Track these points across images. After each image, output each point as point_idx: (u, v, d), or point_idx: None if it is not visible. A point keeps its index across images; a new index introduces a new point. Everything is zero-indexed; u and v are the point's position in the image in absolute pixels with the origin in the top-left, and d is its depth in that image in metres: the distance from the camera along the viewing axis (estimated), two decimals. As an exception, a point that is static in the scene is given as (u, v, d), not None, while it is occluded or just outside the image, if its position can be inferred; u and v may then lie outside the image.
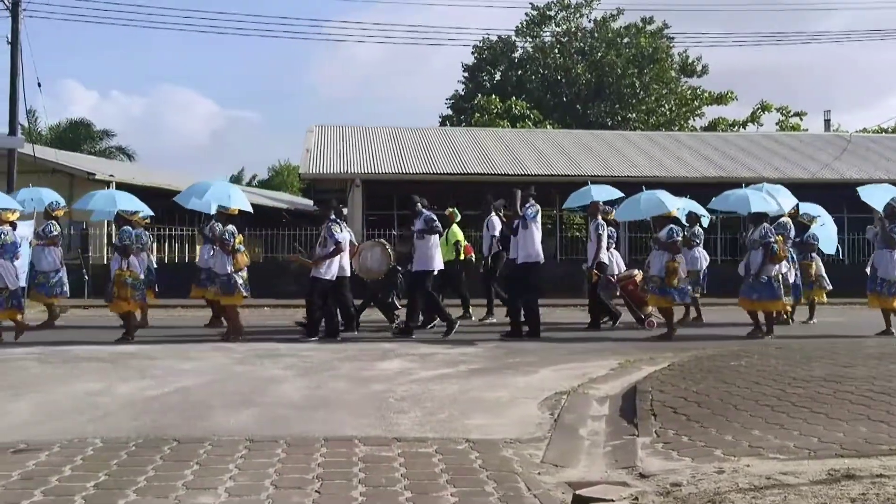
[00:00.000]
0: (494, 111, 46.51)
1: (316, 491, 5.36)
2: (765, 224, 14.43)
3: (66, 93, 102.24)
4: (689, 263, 16.06)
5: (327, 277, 13.79)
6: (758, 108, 52.15)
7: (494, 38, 54.75)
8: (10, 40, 23.63)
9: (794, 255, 15.75)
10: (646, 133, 40.84)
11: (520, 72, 54.49)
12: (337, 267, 13.94)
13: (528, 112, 47.12)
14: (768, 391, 8.13)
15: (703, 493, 5.25)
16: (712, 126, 52.24)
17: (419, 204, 14.82)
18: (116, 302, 13.64)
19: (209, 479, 5.57)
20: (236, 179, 69.30)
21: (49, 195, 16.67)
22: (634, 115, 53.04)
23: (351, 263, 14.64)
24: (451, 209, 17.37)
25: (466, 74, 56.28)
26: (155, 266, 16.56)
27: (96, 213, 17.37)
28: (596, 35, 54.24)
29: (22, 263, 14.46)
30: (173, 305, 19.26)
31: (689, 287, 15.60)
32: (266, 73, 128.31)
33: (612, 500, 4.94)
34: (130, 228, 13.96)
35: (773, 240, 14.21)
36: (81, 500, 5.20)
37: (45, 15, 65.32)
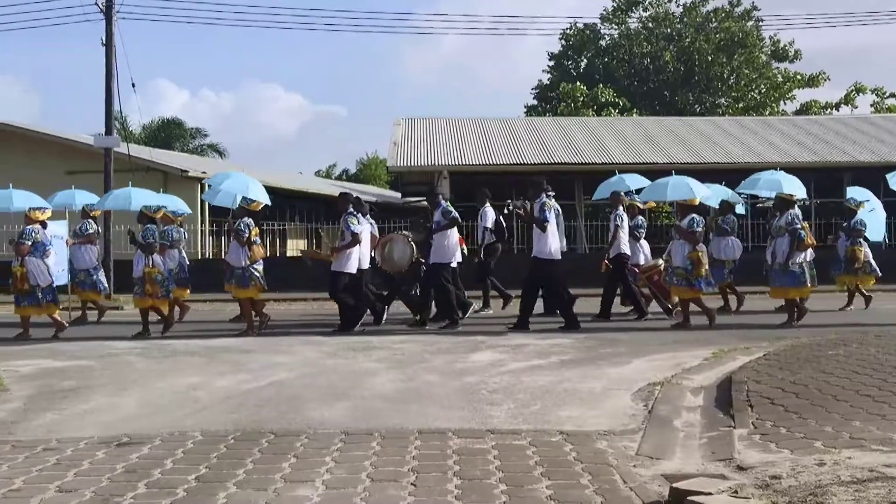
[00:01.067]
0: (580, 99, 46.20)
1: (411, 483, 5.39)
2: (791, 210, 14.16)
3: (158, 92, 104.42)
4: (724, 252, 15.88)
5: (348, 270, 13.86)
6: (851, 90, 50.89)
7: (580, 26, 54.39)
8: (104, 42, 24.15)
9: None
10: (736, 118, 40.14)
11: (606, 59, 54.08)
12: (357, 259, 14.00)
13: (614, 100, 46.67)
14: (868, 381, 7.95)
15: (803, 485, 5.15)
16: (804, 109, 51.17)
17: (440, 196, 14.84)
18: (143, 298, 13.87)
19: (306, 472, 5.65)
20: (327, 174, 69.93)
21: (85, 197, 17.25)
22: (723, 100, 52.24)
23: (374, 255, 14.78)
24: None
25: (552, 63, 56.00)
26: (188, 262, 16.74)
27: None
28: (685, 20, 53.50)
29: (60, 261, 15.16)
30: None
31: (727, 272, 15.81)
32: (353, 68, 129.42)
33: (711, 493, 4.87)
34: (154, 226, 14.23)
35: (799, 226, 13.93)
36: (183, 492, 5.31)
37: (137, 17, 66.52)
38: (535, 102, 55.59)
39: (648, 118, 40.79)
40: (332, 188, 41.50)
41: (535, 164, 28.43)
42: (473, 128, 33.63)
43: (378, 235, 15.63)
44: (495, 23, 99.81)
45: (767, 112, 49.56)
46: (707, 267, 14.05)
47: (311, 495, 5.20)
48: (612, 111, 45.32)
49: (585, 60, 55.19)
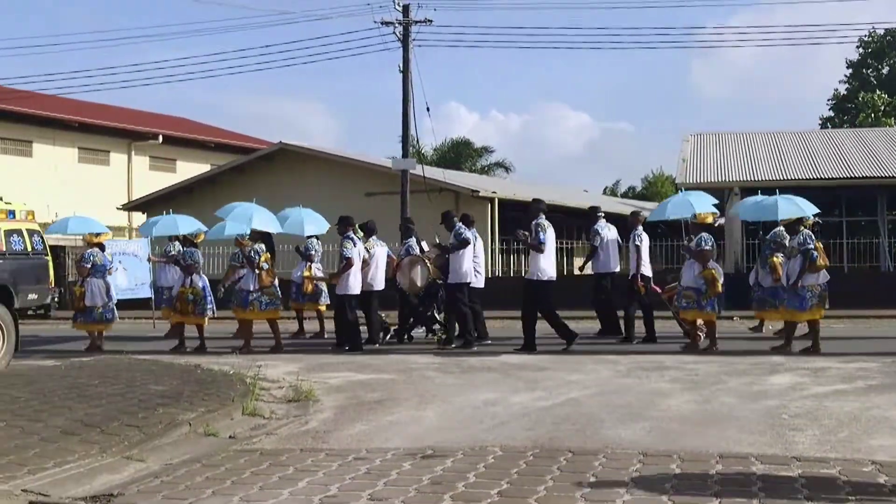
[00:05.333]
0: (882, 108, 43.70)
1: (715, 508, 5.30)
2: (803, 230, 13.11)
3: (449, 115, 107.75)
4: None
5: (348, 293, 14.52)
6: None
7: (881, 31, 51.54)
8: (401, 69, 25.28)
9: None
10: None
11: (910, 65, 50.97)
12: (358, 281, 14.64)
13: (921, 108, 43.84)
14: None
15: None
16: None
17: (455, 218, 15.08)
18: (173, 315, 15.35)
19: (606, 492, 5.66)
20: (612, 192, 69.72)
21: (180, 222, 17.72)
22: None
23: (395, 277, 15.34)
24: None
25: (850, 72, 53.40)
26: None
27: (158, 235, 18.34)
28: None
29: (141, 276, 18.01)
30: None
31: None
32: (639, 84, 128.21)
33: None
34: (194, 249, 15.30)
35: (812, 247, 12.78)
36: (487, 505, 5.46)
37: (432, 44, 69.07)
38: (832, 114, 53.17)
39: (960, 126, 37.96)
40: (619, 206, 41.37)
41: (832, 178, 27.11)
42: (765, 142, 32.46)
43: (395, 257, 16.08)
44: (789, 33, 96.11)
45: None
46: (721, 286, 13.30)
47: (612, 515, 5.22)
48: (919, 120, 42.56)
49: (887, 67, 52.25)
